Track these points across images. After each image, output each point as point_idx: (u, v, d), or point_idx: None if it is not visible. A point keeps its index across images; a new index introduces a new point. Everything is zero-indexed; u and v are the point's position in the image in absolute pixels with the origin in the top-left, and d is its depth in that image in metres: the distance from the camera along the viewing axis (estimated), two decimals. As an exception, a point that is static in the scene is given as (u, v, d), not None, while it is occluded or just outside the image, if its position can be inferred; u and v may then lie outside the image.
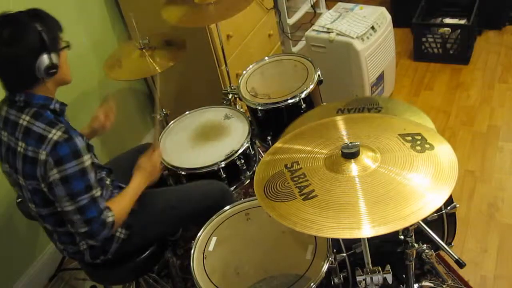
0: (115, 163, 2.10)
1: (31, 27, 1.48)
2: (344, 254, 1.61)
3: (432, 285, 1.96)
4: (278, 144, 1.49)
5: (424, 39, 3.28)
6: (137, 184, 1.79)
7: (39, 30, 1.48)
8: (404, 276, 1.69)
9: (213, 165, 2.06)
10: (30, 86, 1.55)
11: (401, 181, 1.21)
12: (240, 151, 2.10)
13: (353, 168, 1.27)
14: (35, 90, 1.56)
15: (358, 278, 1.36)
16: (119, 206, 1.69)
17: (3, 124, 1.59)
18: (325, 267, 1.50)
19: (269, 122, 2.29)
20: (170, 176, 2.16)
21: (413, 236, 1.52)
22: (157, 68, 2.30)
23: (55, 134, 1.50)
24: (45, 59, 1.50)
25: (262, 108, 2.23)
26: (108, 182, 1.80)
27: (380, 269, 1.37)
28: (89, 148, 1.61)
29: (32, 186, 1.58)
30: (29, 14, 1.52)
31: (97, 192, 1.59)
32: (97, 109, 2.02)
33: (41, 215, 1.67)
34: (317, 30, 2.83)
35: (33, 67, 1.50)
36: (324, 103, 2.36)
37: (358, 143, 1.30)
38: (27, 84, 1.55)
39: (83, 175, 1.54)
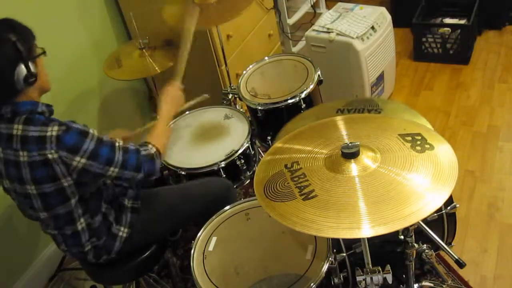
0: None
1: (5, 37, 1.46)
2: (344, 254, 1.61)
3: (432, 285, 1.96)
4: (278, 144, 1.49)
5: (424, 39, 3.28)
6: (165, 111, 1.89)
7: (13, 40, 1.46)
8: (404, 276, 1.69)
9: (213, 165, 2.06)
10: (12, 97, 1.53)
11: (401, 181, 1.21)
12: (240, 151, 2.10)
13: (353, 168, 1.27)
14: (20, 98, 1.54)
15: (358, 278, 1.36)
16: (156, 137, 1.77)
17: None
18: (325, 267, 1.50)
19: (269, 122, 2.29)
20: (170, 176, 2.16)
21: (413, 236, 1.52)
22: (157, 68, 2.30)
23: (53, 130, 1.51)
24: (22, 69, 1.49)
25: (262, 108, 2.23)
26: (108, 181, 1.81)
27: (380, 269, 1.37)
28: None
29: (47, 189, 1.57)
30: (1, 24, 1.50)
31: (119, 142, 1.64)
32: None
33: (55, 216, 1.65)
34: (317, 30, 2.83)
35: (12, 78, 1.48)
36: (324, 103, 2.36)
37: (358, 143, 1.30)
38: (9, 96, 1.53)
39: (101, 141, 1.59)
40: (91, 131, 1.58)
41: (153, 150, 1.71)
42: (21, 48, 1.47)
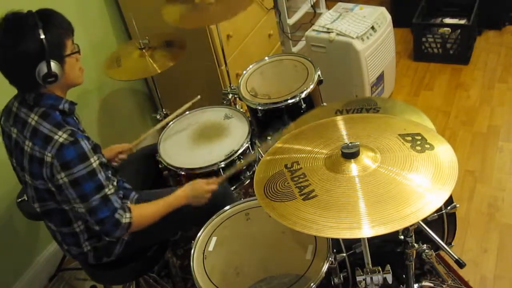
0: (122, 163, 2.10)
1: (33, 33, 1.46)
2: (344, 254, 1.61)
3: (432, 285, 1.96)
4: (278, 144, 1.49)
5: (424, 39, 3.28)
6: (176, 197, 1.77)
7: (41, 38, 1.45)
8: (404, 276, 1.69)
9: (213, 165, 2.06)
10: (34, 89, 1.55)
11: (401, 181, 1.21)
12: (240, 151, 2.10)
13: (353, 168, 1.27)
14: (43, 90, 1.55)
15: (358, 278, 1.36)
16: (143, 211, 1.70)
17: (13, 121, 1.60)
18: (325, 267, 1.50)
19: (269, 122, 2.29)
20: (171, 176, 2.16)
21: (413, 236, 1.52)
22: (157, 68, 2.30)
23: (61, 137, 1.50)
24: (43, 67, 1.48)
25: (262, 108, 2.23)
26: (114, 183, 1.79)
27: (380, 269, 1.37)
28: (96, 149, 1.61)
29: (40, 185, 1.58)
30: (38, 16, 1.49)
31: (109, 190, 1.59)
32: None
33: (47, 213, 1.67)
34: (317, 30, 2.83)
35: (33, 74, 1.49)
36: (324, 104, 2.36)
37: (358, 143, 1.30)
38: (30, 88, 1.55)
39: (93, 176, 1.54)
40: (92, 160, 1.53)
41: (127, 221, 1.61)
42: (47, 46, 1.46)
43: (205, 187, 1.82)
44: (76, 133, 1.53)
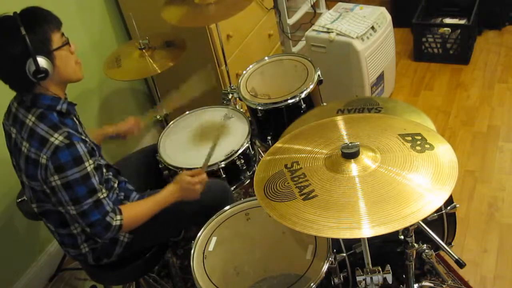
0: (122, 163, 2.10)
1: (15, 34, 1.44)
2: (344, 254, 1.61)
3: (432, 285, 1.96)
4: (278, 144, 1.49)
5: (424, 39, 3.28)
6: (164, 195, 1.76)
7: (22, 35, 1.44)
8: (404, 276, 1.69)
9: (213, 165, 2.06)
10: (29, 89, 1.54)
11: (401, 181, 1.21)
12: (240, 151, 2.10)
13: (353, 168, 1.27)
14: (40, 90, 1.55)
15: (358, 278, 1.36)
16: (133, 211, 1.68)
17: (12, 121, 1.59)
18: (325, 267, 1.50)
19: (269, 122, 2.29)
20: (170, 176, 2.16)
21: (413, 236, 1.52)
22: (157, 68, 2.30)
23: (57, 139, 1.49)
24: (31, 65, 1.47)
25: (262, 108, 2.23)
26: (115, 184, 1.80)
27: (380, 269, 1.37)
28: (93, 153, 1.60)
29: (36, 187, 1.58)
30: (20, 16, 1.48)
31: (102, 194, 1.58)
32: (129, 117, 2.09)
33: (45, 214, 1.67)
34: (317, 30, 2.83)
35: (24, 73, 1.47)
36: (324, 104, 2.36)
37: (358, 143, 1.30)
38: (25, 88, 1.54)
39: (86, 180, 1.53)
40: (86, 164, 1.52)
41: (117, 223, 1.61)
42: (31, 43, 1.45)
43: (188, 178, 1.80)
44: (72, 136, 1.51)
